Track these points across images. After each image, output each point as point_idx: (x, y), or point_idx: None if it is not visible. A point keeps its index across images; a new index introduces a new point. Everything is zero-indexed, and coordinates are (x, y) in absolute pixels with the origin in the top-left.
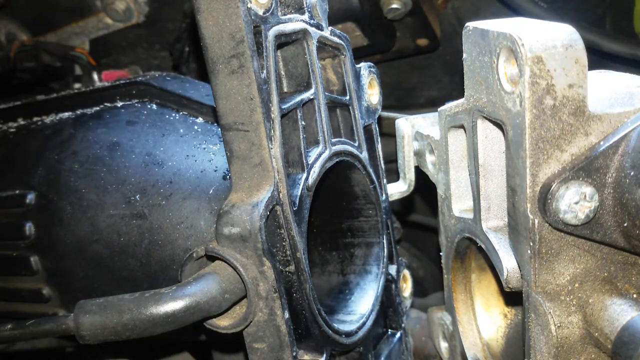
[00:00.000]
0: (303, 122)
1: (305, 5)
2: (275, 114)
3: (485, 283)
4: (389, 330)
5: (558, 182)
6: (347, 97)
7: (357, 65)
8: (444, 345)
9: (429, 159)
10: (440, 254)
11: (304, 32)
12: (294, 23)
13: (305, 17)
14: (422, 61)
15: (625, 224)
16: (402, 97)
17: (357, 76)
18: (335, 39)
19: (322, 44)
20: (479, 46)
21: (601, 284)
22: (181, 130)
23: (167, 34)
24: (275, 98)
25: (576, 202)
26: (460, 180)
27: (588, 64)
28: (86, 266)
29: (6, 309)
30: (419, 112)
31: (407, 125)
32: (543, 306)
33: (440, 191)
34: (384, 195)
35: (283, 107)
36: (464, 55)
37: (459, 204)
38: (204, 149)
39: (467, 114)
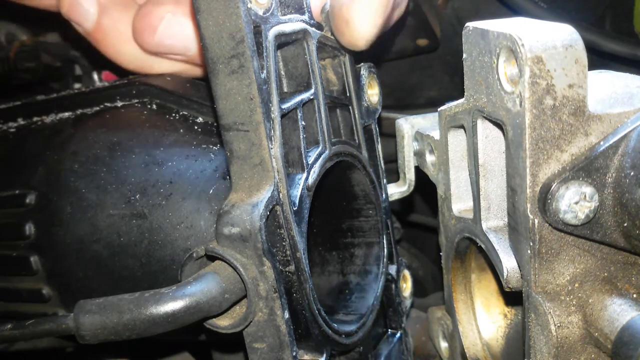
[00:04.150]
0: (303, 122)
1: (305, 6)
2: (275, 114)
3: (485, 283)
4: (389, 330)
5: (558, 182)
6: (347, 97)
7: (357, 65)
8: (444, 345)
9: (429, 159)
10: (440, 254)
11: (304, 32)
12: (294, 23)
13: (305, 17)
14: (422, 61)
15: (625, 224)
16: (402, 97)
17: (357, 76)
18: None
19: (322, 44)
20: (479, 46)
21: (601, 284)
22: (181, 130)
23: None
24: (275, 98)
25: (576, 202)
26: (460, 180)
27: (588, 64)
28: (86, 266)
29: (6, 309)
30: (419, 112)
31: (407, 125)
32: (543, 306)
33: (440, 191)
34: (384, 195)
35: (283, 107)
36: (464, 55)
37: (459, 204)
38: (204, 149)
39: (467, 114)
